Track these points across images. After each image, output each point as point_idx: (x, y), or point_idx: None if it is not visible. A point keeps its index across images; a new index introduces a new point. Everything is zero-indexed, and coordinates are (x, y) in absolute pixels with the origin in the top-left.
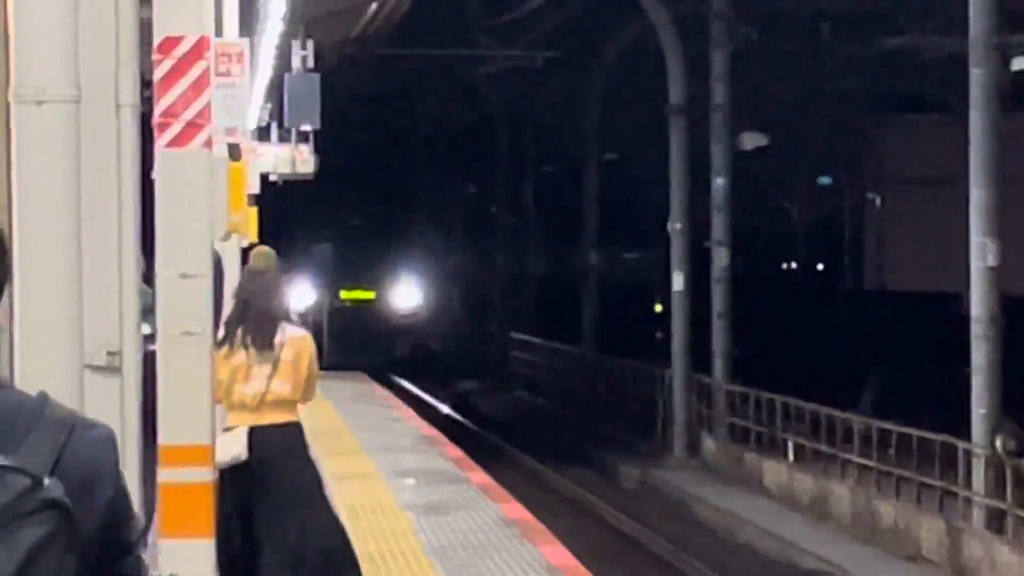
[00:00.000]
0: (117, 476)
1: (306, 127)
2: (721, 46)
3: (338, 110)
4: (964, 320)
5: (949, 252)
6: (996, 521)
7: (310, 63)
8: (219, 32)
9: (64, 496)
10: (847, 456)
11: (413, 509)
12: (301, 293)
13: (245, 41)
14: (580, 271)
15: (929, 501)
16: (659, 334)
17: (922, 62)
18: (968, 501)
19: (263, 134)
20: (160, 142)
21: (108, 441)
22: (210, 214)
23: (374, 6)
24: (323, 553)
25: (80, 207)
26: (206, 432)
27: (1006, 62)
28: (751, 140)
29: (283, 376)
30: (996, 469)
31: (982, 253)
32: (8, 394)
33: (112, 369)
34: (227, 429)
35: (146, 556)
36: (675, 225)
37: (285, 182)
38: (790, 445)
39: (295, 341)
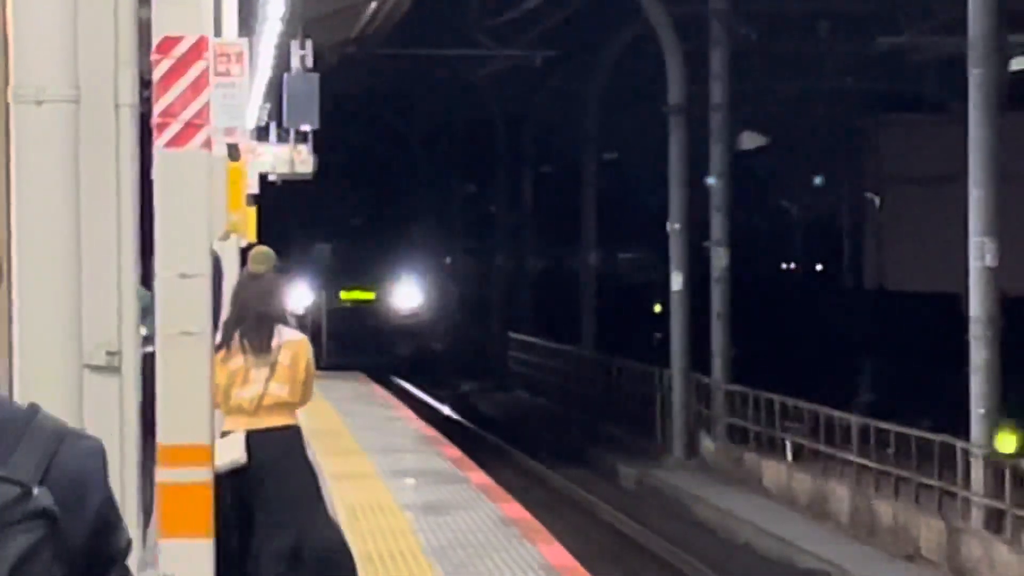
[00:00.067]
0: (106, 487)
1: (305, 127)
2: (720, 46)
3: (337, 110)
4: (963, 320)
5: (948, 252)
6: (995, 521)
7: (309, 63)
8: (218, 32)
9: (53, 506)
10: (846, 456)
11: (412, 509)
12: (300, 294)
13: (244, 41)
14: (579, 271)
15: (928, 501)
16: (658, 334)
17: (921, 62)
18: (967, 501)
19: (262, 134)
20: (159, 142)
21: (97, 452)
22: (209, 214)
23: (373, 6)
24: (321, 557)
25: (79, 207)
26: (205, 432)
27: (1005, 62)
28: (750, 140)
29: (281, 379)
30: (995, 469)
31: (981, 253)
32: None
33: (111, 369)
34: (224, 434)
35: (146, 556)
36: (674, 225)
37: (284, 182)
38: (789, 445)
39: (292, 344)
